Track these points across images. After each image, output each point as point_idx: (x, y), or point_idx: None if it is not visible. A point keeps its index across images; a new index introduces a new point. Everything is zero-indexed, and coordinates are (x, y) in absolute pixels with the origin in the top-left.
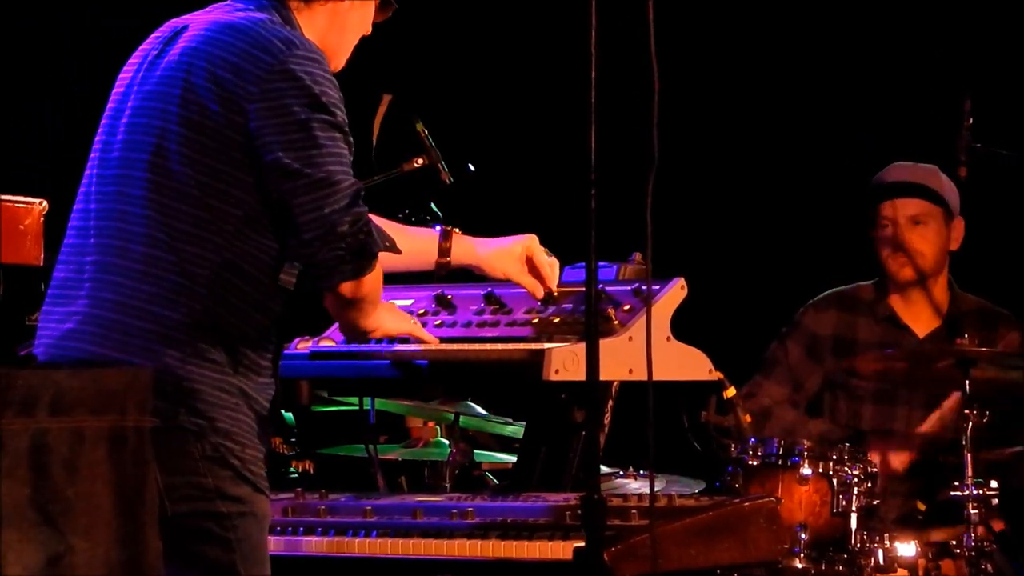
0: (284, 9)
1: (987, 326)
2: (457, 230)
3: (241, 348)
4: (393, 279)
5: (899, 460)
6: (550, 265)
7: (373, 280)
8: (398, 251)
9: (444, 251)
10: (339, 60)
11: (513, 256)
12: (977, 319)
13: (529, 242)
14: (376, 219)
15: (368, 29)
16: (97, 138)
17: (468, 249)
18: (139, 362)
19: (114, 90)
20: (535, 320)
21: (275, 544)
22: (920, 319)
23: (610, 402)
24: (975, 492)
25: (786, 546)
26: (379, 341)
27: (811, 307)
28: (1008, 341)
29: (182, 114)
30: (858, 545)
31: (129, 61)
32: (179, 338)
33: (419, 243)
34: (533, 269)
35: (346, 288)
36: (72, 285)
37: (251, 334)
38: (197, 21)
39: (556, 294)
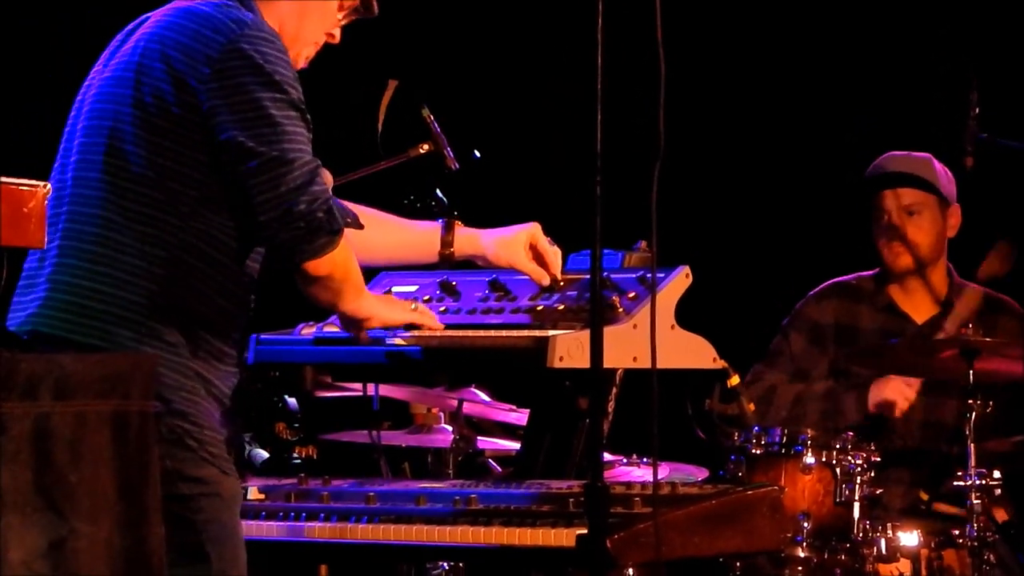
0: None
1: (987, 313)
2: (459, 221)
3: (201, 332)
4: (397, 266)
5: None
6: (554, 253)
7: (342, 259)
8: (360, 226)
9: (447, 243)
10: (298, 52)
11: (517, 245)
12: (977, 306)
13: (533, 230)
14: (376, 213)
15: (332, 27)
16: (65, 130)
17: (471, 240)
18: (97, 344)
19: (83, 84)
20: (539, 307)
21: (278, 529)
22: (919, 307)
23: (614, 390)
24: (978, 482)
25: (789, 535)
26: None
27: (812, 297)
28: (1007, 328)
29: (136, 97)
30: (861, 534)
31: (99, 58)
32: (136, 319)
33: (422, 236)
34: (537, 257)
35: (311, 267)
36: (35, 272)
37: (213, 318)
38: (158, 11)
39: (561, 282)
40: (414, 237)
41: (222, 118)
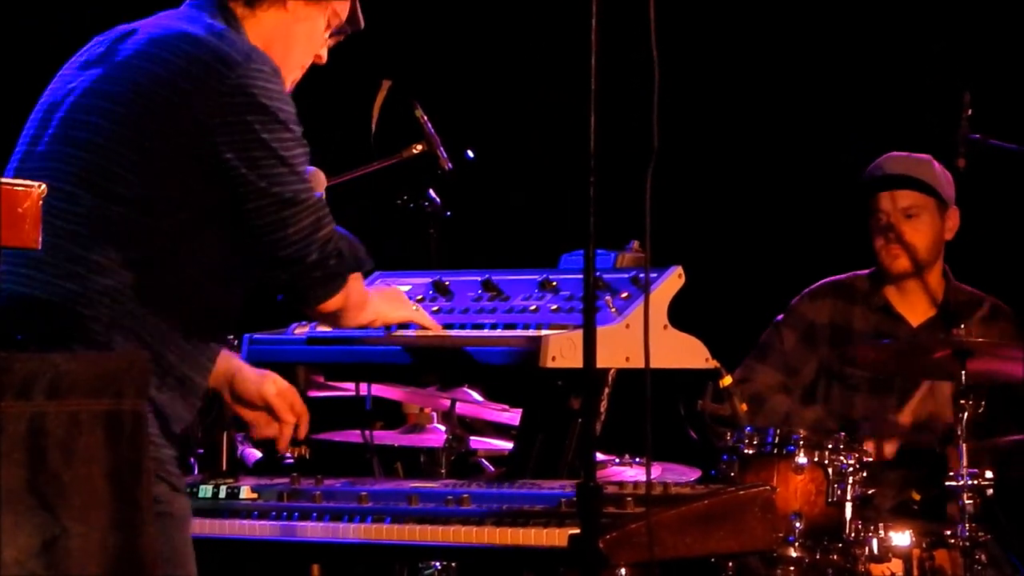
0: (232, 18)
1: (982, 316)
2: None
3: (168, 358)
4: (389, 265)
5: (891, 448)
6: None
7: (356, 291)
8: (371, 265)
9: None
10: (287, 76)
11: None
12: (972, 309)
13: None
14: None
15: (319, 49)
16: (25, 132)
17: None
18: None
19: (49, 87)
20: (532, 307)
21: (271, 529)
22: (915, 309)
23: (606, 390)
24: (970, 482)
25: (781, 535)
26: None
27: (807, 295)
28: (1002, 332)
29: (128, 116)
30: (852, 534)
31: (69, 62)
32: (97, 340)
33: None
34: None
35: (322, 307)
36: None
37: (183, 345)
38: (148, 25)
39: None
40: None
41: (229, 155)
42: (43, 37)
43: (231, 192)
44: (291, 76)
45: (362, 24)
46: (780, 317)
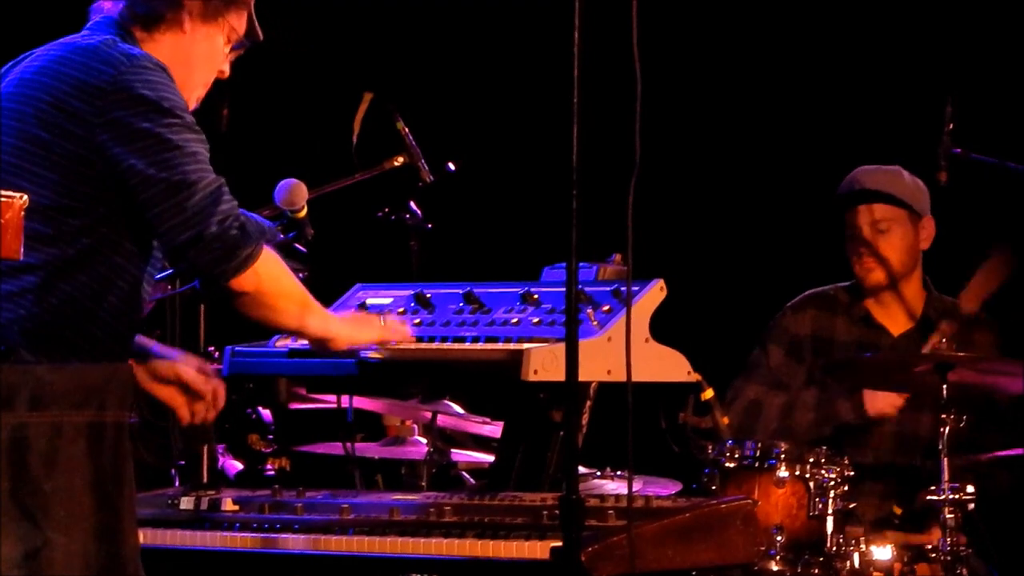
0: (131, 39)
1: (962, 327)
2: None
3: (71, 360)
4: (370, 278)
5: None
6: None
7: (267, 271)
8: (276, 238)
9: None
10: (189, 95)
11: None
12: (952, 320)
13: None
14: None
15: (220, 65)
16: None
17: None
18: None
19: None
20: (514, 320)
21: (252, 541)
22: (895, 319)
23: (588, 403)
24: (951, 496)
25: (762, 548)
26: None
27: (789, 309)
28: (981, 343)
29: (21, 129)
30: (834, 548)
31: None
32: (5, 343)
33: None
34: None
35: (235, 284)
36: None
37: (85, 349)
38: (52, 45)
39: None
40: None
41: (116, 151)
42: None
43: (126, 188)
44: (194, 94)
45: (261, 36)
46: (764, 334)
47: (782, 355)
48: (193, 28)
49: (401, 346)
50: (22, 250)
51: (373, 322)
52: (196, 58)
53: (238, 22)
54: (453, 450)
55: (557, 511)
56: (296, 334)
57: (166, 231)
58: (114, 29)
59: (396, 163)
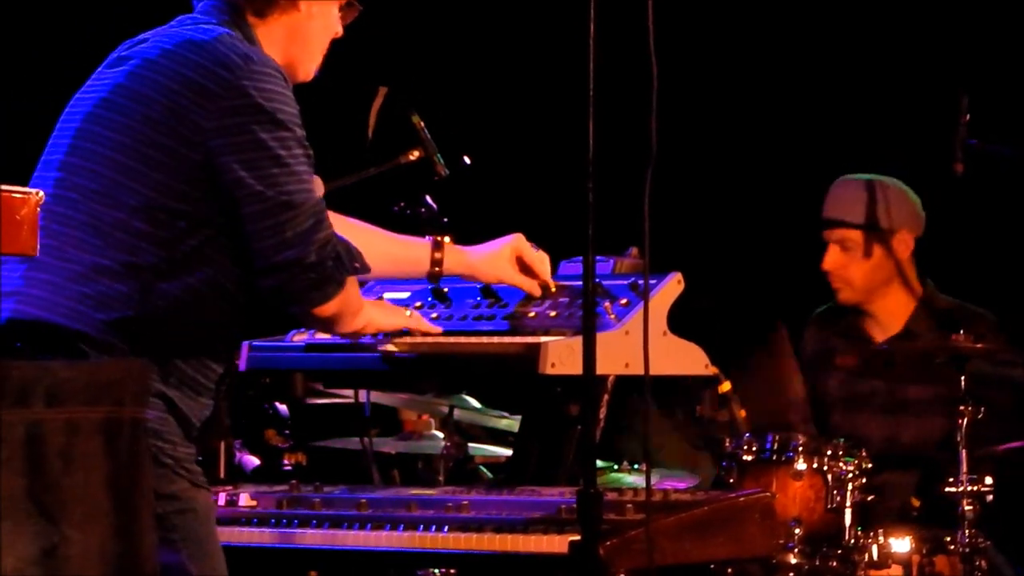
0: (244, 25)
1: (954, 327)
2: (448, 240)
3: (174, 360)
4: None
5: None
6: (540, 260)
7: (351, 296)
8: (367, 270)
9: (436, 261)
10: (307, 69)
11: (504, 259)
12: (945, 322)
13: (516, 242)
14: (365, 226)
15: (338, 31)
16: (48, 143)
17: (459, 258)
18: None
19: (70, 102)
20: (531, 314)
21: (270, 536)
22: (882, 328)
23: (605, 396)
24: (970, 488)
25: (780, 541)
26: (374, 336)
27: (803, 335)
28: (978, 338)
29: (130, 125)
30: (852, 541)
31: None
32: (107, 341)
33: (411, 252)
34: (524, 267)
35: (317, 312)
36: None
37: (188, 349)
38: (156, 34)
39: (552, 287)
40: (403, 253)
41: (225, 159)
42: (37, 41)
43: (231, 198)
44: (313, 66)
45: None
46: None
47: (800, 382)
48: (308, 4)
49: (419, 340)
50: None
51: (399, 311)
52: (312, 33)
53: None
54: (470, 444)
55: (575, 505)
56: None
57: (262, 249)
58: (227, 14)
59: (411, 157)
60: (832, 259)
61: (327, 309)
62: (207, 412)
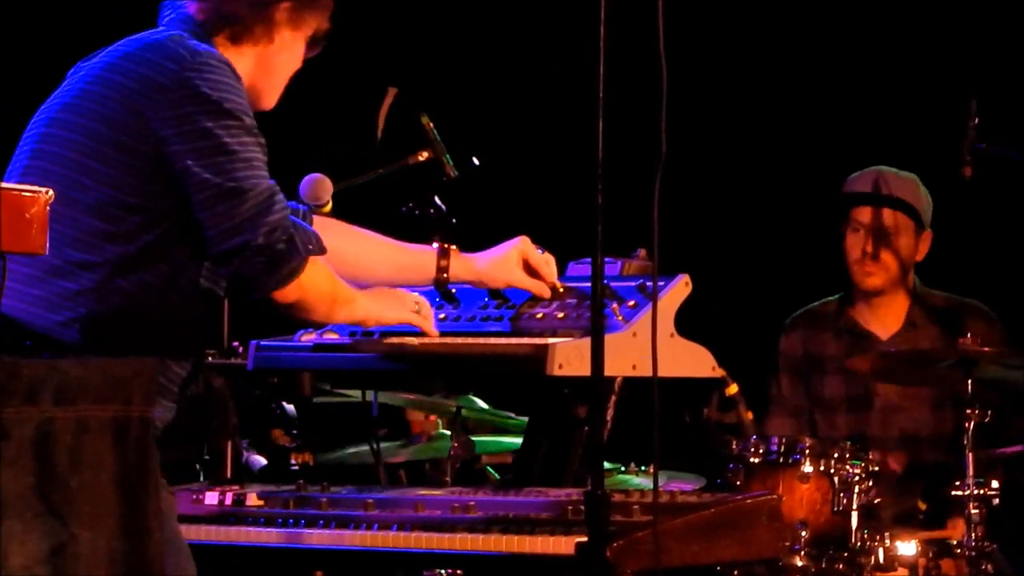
0: (207, 40)
1: (954, 318)
2: (455, 248)
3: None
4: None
5: (896, 460)
6: (546, 262)
7: (310, 282)
8: (323, 251)
9: (442, 269)
10: (271, 99)
11: (510, 263)
12: (943, 314)
13: (522, 245)
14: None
15: (298, 66)
16: (16, 152)
17: (466, 265)
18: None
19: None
20: (539, 315)
21: (277, 536)
22: (882, 324)
23: (613, 398)
24: (976, 492)
25: (787, 544)
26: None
27: (784, 332)
28: (977, 330)
29: (87, 125)
30: (858, 543)
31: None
32: (63, 341)
33: (417, 259)
34: (531, 270)
35: (278, 296)
36: None
37: (146, 348)
38: (116, 44)
39: (560, 288)
40: (409, 260)
41: (174, 148)
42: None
43: (183, 189)
44: (275, 97)
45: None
46: (773, 364)
47: (788, 380)
48: (280, 38)
49: (425, 340)
50: (48, 245)
51: (405, 300)
52: (280, 65)
53: (322, 23)
54: (478, 439)
55: (582, 506)
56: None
57: (213, 236)
58: (189, 25)
59: (420, 158)
60: (876, 239)
61: (288, 294)
62: (170, 415)
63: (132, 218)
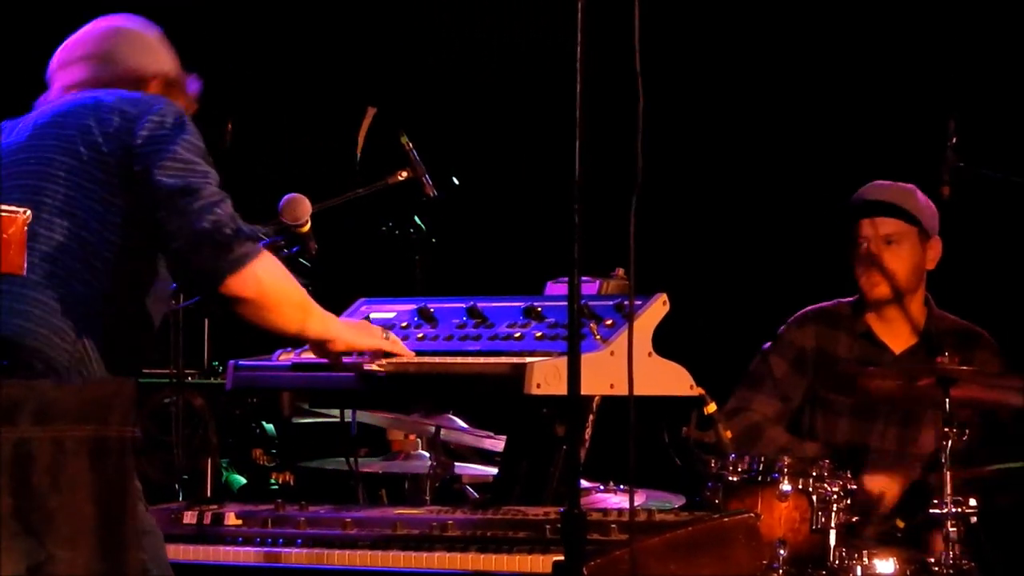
0: None
1: (964, 345)
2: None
3: (90, 367)
4: (374, 292)
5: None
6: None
7: (267, 274)
8: (263, 238)
9: None
10: None
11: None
12: (954, 338)
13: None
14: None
15: None
16: None
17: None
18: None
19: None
20: (517, 334)
21: (255, 555)
22: (897, 336)
23: (591, 417)
24: (954, 510)
25: (765, 562)
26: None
27: (793, 323)
28: (983, 361)
29: (59, 159)
30: (837, 562)
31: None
32: (22, 350)
33: None
34: None
35: (235, 285)
36: None
37: (98, 358)
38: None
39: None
40: None
41: (146, 170)
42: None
43: (150, 199)
44: None
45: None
46: (767, 345)
47: (786, 367)
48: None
49: (404, 360)
50: (26, 265)
51: (375, 331)
52: None
53: (189, 105)
54: (456, 464)
55: (560, 525)
56: (296, 337)
57: (166, 234)
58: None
59: (400, 177)
60: (877, 249)
61: (244, 286)
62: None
63: (92, 224)
